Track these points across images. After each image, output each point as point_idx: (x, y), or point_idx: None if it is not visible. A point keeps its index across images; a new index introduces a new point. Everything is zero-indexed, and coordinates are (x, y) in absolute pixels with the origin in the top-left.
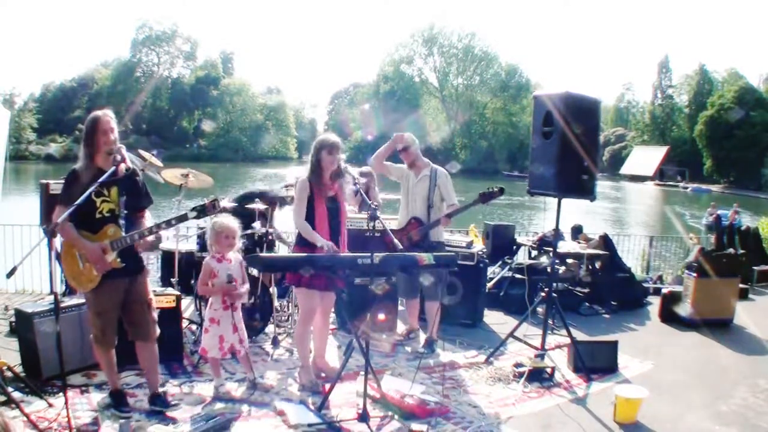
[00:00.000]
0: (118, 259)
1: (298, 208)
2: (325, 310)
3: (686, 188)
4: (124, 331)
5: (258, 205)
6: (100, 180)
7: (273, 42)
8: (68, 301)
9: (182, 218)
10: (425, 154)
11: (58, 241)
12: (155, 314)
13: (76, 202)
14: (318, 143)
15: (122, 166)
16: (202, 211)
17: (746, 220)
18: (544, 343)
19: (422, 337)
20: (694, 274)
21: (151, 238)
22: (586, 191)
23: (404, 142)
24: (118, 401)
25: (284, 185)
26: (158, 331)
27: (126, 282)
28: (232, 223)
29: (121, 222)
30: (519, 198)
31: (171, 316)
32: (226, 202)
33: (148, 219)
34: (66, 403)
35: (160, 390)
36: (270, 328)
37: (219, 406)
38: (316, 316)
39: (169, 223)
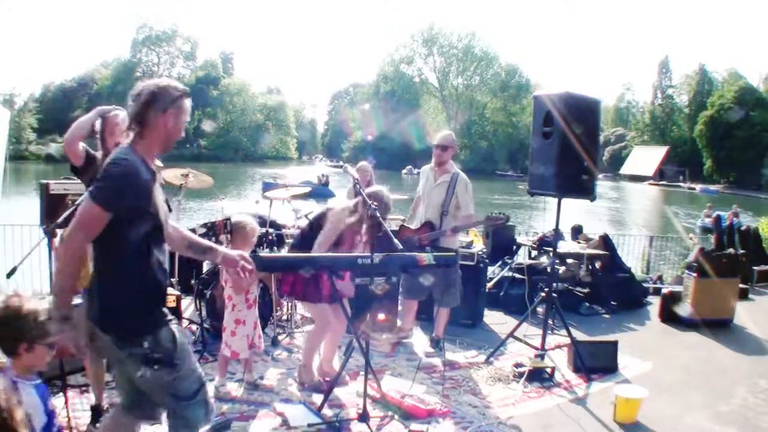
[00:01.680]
0: None
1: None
2: (340, 317)
3: (692, 189)
4: None
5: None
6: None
7: (273, 42)
8: None
9: (191, 231)
10: (426, 154)
11: (57, 241)
12: None
13: (77, 202)
14: (377, 199)
15: None
16: (211, 229)
17: (747, 221)
18: (544, 343)
19: (418, 336)
20: (694, 274)
21: None
22: (586, 191)
23: (447, 141)
24: (95, 418)
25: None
26: None
27: None
28: (254, 221)
29: None
30: (519, 198)
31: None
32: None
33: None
34: (66, 403)
35: None
36: (270, 329)
37: (219, 406)
38: (333, 321)
39: None
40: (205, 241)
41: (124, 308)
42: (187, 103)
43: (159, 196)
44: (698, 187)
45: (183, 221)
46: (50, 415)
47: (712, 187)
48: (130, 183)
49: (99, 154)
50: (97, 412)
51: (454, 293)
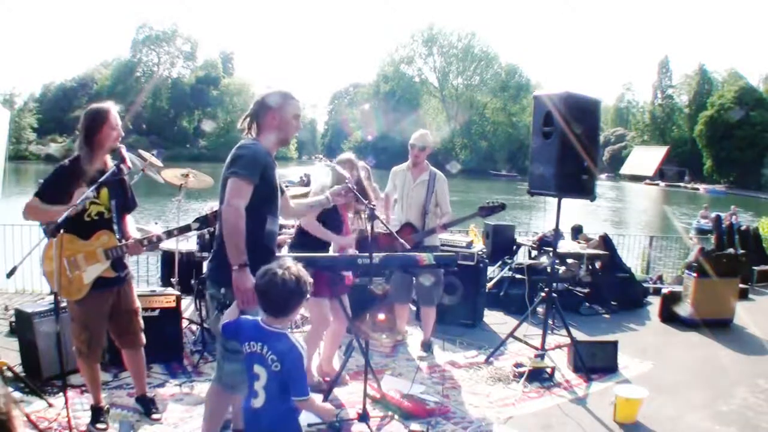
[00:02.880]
0: (112, 269)
1: None
2: (340, 316)
3: (696, 189)
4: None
5: None
6: (101, 180)
7: (273, 42)
8: None
9: (185, 229)
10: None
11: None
12: (142, 321)
13: (76, 203)
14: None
15: (123, 167)
16: (204, 223)
17: (747, 221)
18: (544, 343)
19: (417, 338)
20: (694, 274)
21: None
22: (586, 191)
23: (426, 142)
24: (95, 417)
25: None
26: (144, 337)
27: (114, 292)
28: None
29: (115, 228)
30: (519, 198)
31: (171, 316)
32: None
33: (130, 223)
34: (66, 403)
35: (150, 395)
36: None
37: None
38: (333, 321)
39: (170, 234)
40: (316, 198)
41: (220, 258)
42: (294, 102)
43: (278, 178)
44: (702, 187)
45: (183, 221)
46: None
47: (718, 188)
48: (259, 160)
49: (76, 154)
50: (97, 411)
51: (440, 289)
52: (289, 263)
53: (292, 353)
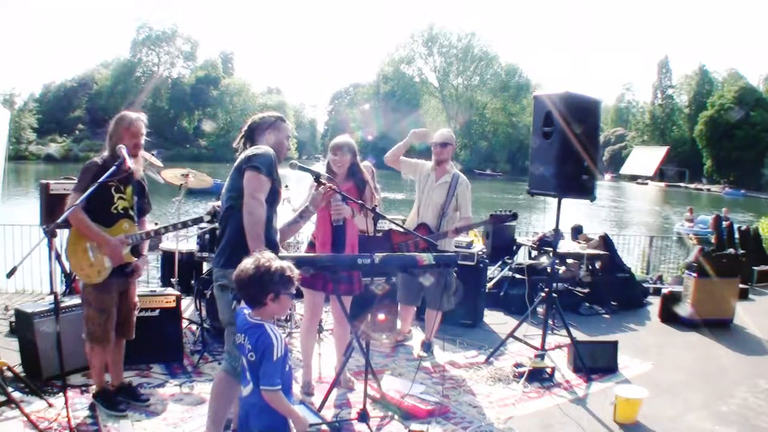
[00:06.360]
0: (131, 254)
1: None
2: (337, 316)
3: (699, 189)
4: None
5: None
6: (101, 180)
7: (273, 42)
8: (68, 301)
9: (197, 221)
10: (425, 155)
11: (58, 241)
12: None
13: (84, 195)
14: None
15: (123, 167)
16: (215, 216)
17: (747, 222)
18: (544, 343)
19: (418, 337)
20: (694, 274)
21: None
22: (586, 191)
23: (427, 137)
24: (109, 401)
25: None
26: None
27: (126, 282)
28: None
29: (136, 219)
30: (520, 198)
31: (171, 316)
32: None
33: (148, 223)
34: (66, 403)
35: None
36: None
37: None
38: (336, 326)
39: (185, 224)
40: (298, 212)
41: (235, 245)
42: (285, 125)
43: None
44: (706, 187)
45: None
46: (286, 350)
47: (727, 189)
48: (273, 161)
49: (105, 154)
50: (106, 394)
51: (450, 296)
52: (267, 255)
53: (264, 343)
